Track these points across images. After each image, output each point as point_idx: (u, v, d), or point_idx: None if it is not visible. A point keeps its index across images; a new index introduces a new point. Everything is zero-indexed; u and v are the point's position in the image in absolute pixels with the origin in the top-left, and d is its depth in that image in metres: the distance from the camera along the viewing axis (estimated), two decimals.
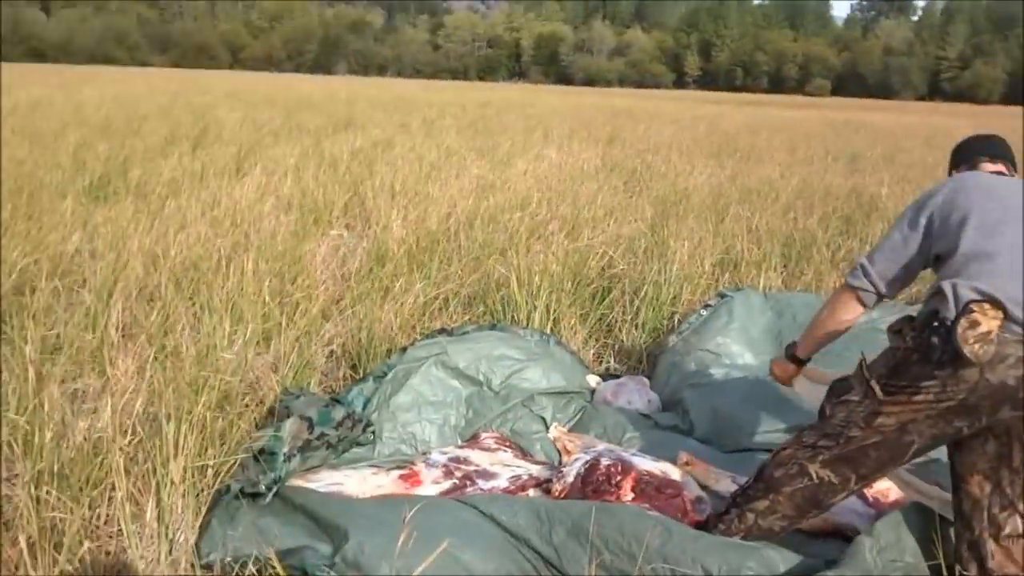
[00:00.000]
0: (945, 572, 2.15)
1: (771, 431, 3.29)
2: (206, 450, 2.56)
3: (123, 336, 3.46)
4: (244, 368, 3.15)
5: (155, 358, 3.09)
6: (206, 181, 7.14)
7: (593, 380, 3.91)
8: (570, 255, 4.80)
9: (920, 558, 2.27)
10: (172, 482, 2.35)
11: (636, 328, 4.49)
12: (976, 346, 1.94)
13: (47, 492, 2.26)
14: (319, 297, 4.01)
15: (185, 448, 2.46)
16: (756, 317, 4.25)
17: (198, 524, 2.37)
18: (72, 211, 5.43)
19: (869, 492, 2.79)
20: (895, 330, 2.17)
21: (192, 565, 2.23)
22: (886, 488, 2.80)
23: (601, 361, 4.37)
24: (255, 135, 11.28)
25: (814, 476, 2.29)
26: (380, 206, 6.11)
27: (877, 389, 2.13)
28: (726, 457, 3.18)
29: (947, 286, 2.04)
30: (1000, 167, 2.47)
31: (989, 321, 1.96)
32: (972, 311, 1.97)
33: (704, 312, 4.29)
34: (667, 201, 6.96)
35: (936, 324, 2.02)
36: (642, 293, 4.58)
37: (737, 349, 4.02)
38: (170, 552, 2.27)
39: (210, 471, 2.51)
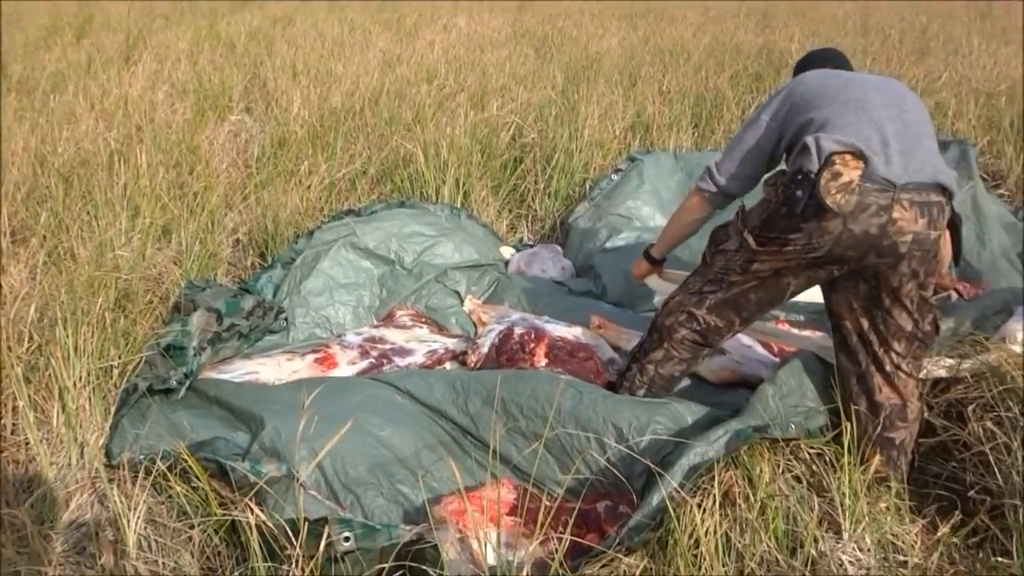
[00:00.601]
0: (843, 414, 2.25)
1: None
2: (109, 351, 2.49)
3: (13, 242, 3.30)
4: (144, 264, 3.06)
5: (48, 261, 2.97)
6: (93, 72, 6.72)
7: (506, 251, 3.92)
8: (479, 127, 4.70)
9: (819, 402, 2.38)
10: (74, 385, 2.29)
11: (548, 197, 4.47)
12: (838, 196, 2.02)
13: None
14: (220, 186, 3.87)
15: (86, 350, 2.40)
16: (667, 179, 4.27)
17: (108, 425, 2.33)
18: None
19: (776, 344, 2.89)
20: (769, 183, 2.22)
21: (104, 466, 2.21)
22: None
23: (515, 232, 4.37)
24: (144, 20, 10.59)
25: (701, 321, 2.41)
26: (281, 87, 5.85)
27: (750, 240, 2.20)
28: (638, 318, 3.24)
29: (810, 140, 2.09)
30: None
31: (850, 171, 2.03)
32: (834, 162, 2.03)
33: (615, 177, 4.30)
34: (578, 66, 6.82)
35: (800, 177, 2.07)
36: (553, 161, 4.54)
37: (648, 211, 4.05)
38: (81, 455, 2.24)
39: (115, 372, 2.46)
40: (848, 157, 2.04)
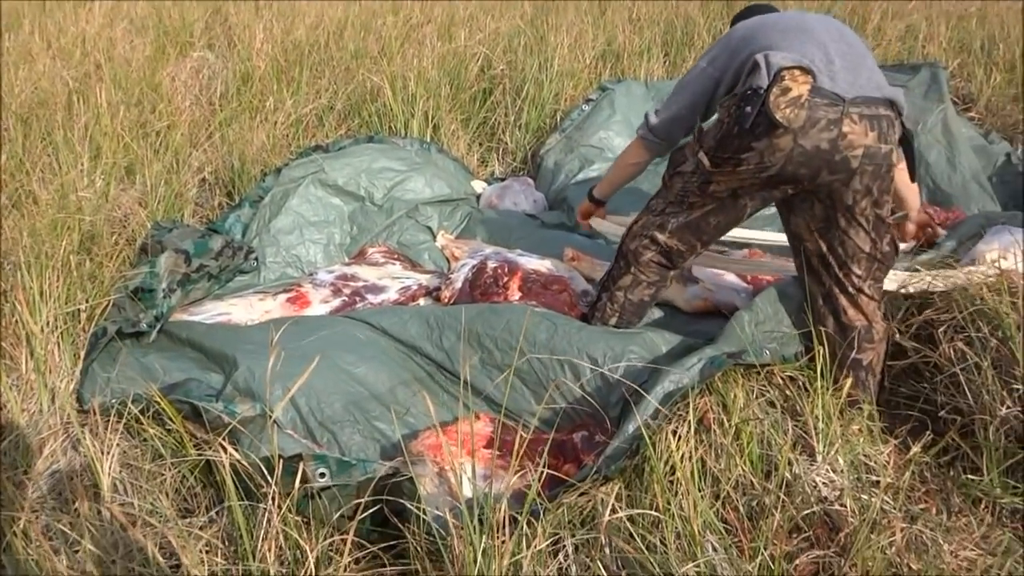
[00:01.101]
0: (815, 339, 2.27)
1: None
2: (75, 295, 2.45)
3: None
4: (108, 206, 2.99)
5: (9, 205, 2.89)
6: (49, 10, 6.49)
7: (478, 185, 3.87)
8: (447, 58, 4.61)
9: (793, 328, 2.40)
10: (42, 331, 2.25)
11: (519, 129, 4.41)
12: (787, 111, 2.02)
13: None
14: (183, 124, 3.78)
15: (52, 295, 2.35)
16: (639, 108, 4.22)
17: (78, 370, 2.30)
18: None
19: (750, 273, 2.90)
20: (722, 104, 2.22)
21: (76, 412, 2.18)
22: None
23: (486, 165, 4.32)
24: None
25: (663, 245, 2.43)
26: (244, 21, 5.69)
27: (705, 161, 2.22)
28: (611, 249, 3.22)
29: (760, 58, 2.09)
30: None
31: (799, 87, 2.03)
32: (783, 78, 2.03)
33: (586, 107, 4.24)
34: None
35: (750, 93, 2.07)
36: (523, 92, 4.47)
37: (620, 142, 4.01)
38: (52, 401, 2.21)
39: (83, 316, 2.42)
40: (797, 72, 2.04)
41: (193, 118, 3.98)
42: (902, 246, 2.69)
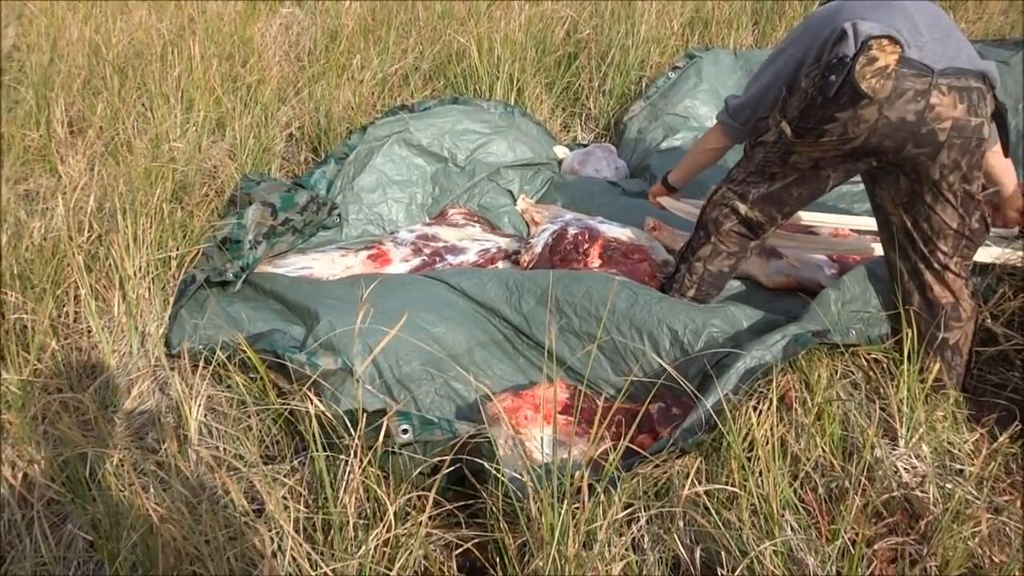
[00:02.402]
0: (903, 321, 2.20)
1: None
2: (167, 242, 2.52)
3: (71, 132, 3.32)
4: (199, 157, 3.06)
5: (105, 152, 2.98)
6: None
7: (560, 150, 3.84)
8: (533, 21, 4.56)
9: (881, 308, 2.33)
10: (134, 275, 2.32)
11: (603, 95, 4.35)
12: (873, 81, 1.97)
13: (9, 294, 2.24)
14: (272, 79, 3.83)
15: (145, 241, 2.42)
16: (725, 77, 4.12)
17: (167, 315, 2.37)
18: (2, 3, 5.06)
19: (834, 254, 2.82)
20: (807, 74, 2.15)
21: (165, 356, 2.25)
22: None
23: (568, 130, 4.28)
24: None
25: (744, 215, 2.39)
26: None
27: (787, 130, 2.16)
28: (693, 221, 3.17)
29: (848, 26, 2.03)
30: None
31: (887, 56, 1.97)
32: (871, 47, 1.98)
33: (672, 75, 4.16)
34: None
35: (835, 62, 2.03)
36: (609, 58, 4.40)
37: (706, 111, 3.93)
38: (142, 344, 2.29)
39: (174, 263, 2.49)
40: (885, 42, 1.98)
41: (282, 74, 4.03)
42: (1005, 231, 2.57)
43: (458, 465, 1.78)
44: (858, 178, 2.33)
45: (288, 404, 1.94)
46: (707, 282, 2.52)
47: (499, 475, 1.70)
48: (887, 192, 2.22)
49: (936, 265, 2.21)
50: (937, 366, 2.17)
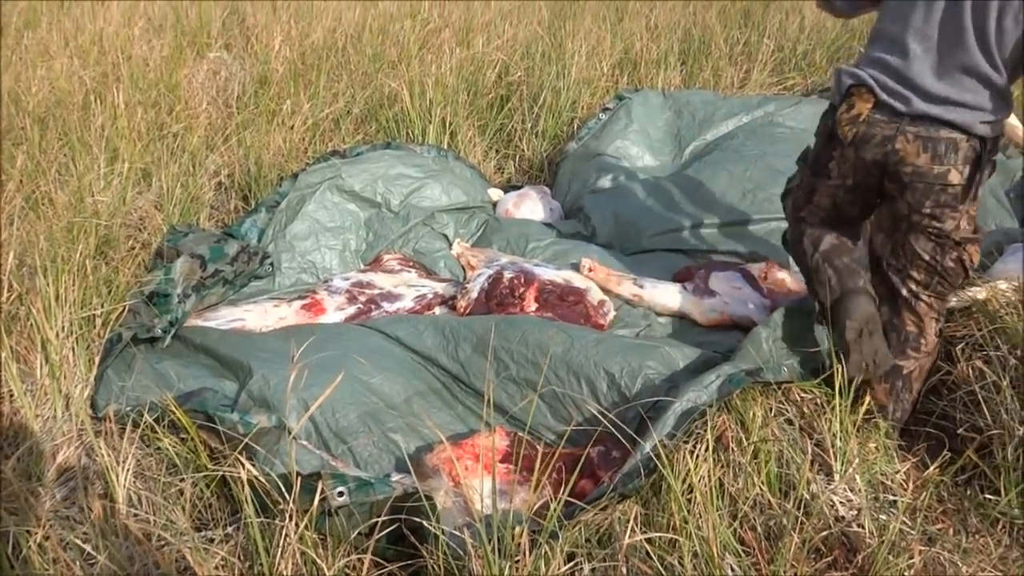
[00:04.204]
0: (834, 356, 2.24)
1: (671, 231, 3.32)
2: (91, 300, 2.44)
3: None
4: (124, 209, 2.99)
5: (26, 207, 2.89)
6: (67, 8, 6.51)
7: (494, 193, 3.86)
8: (464, 64, 4.59)
9: (812, 344, 2.37)
10: (57, 336, 2.24)
11: (536, 137, 4.39)
12: (846, 128, 2.17)
13: None
14: (200, 127, 3.77)
15: (68, 299, 2.35)
16: (655, 118, 4.20)
17: (93, 377, 2.29)
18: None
19: (764, 284, 2.87)
20: (821, 119, 2.34)
21: (90, 419, 2.17)
22: (780, 279, 2.89)
23: (502, 172, 4.30)
24: None
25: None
26: (261, 22, 5.69)
27: (807, 173, 2.39)
28: (628, 260, 3.21)
29: (835, 74, 2.25)
30: None
31: (862, 104, 2.16)
32: (852, 95, 2.18)
33: (603, 116, 4.22)
34: (564, 1, 6.66)
35: (828, 110, 2.28)
36: (541, 100, 4.45)
37: (636, 151, 3.99)
38: (67, 407, 2.20)
39: (98, 321, 2.41)
40: (863, 90, 2.16)
41: (210, 120, 3.98)
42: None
43: (397, 524, 1.75)
44: None
45: (220, 469, 1.88)
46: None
47: (439, 533, 1.67)
48: (876, 217, 2.34)
49: (905, 292, 2.28)
50: (884, 387, 2.26)
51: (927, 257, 2.22)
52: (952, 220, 2.16)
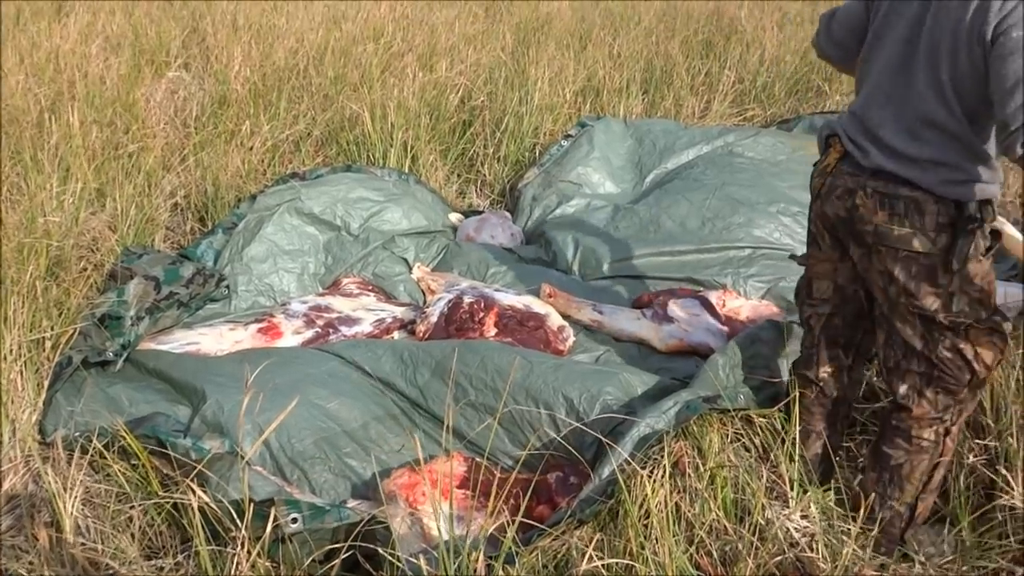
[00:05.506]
0: (790, 384, 2.25)
1: (631, 258, 3.34)
2: (40, 322, 2.39)
3: None
4: (77, 230, 2.93)
5: None
6: (23, 24, 6.41)
7: (455, 217, 3.86)
8: (427, 88, 4.61)
9: (771, 372, 2.40)
10: (4, 359, 2.19)
11: (498, 162, 4.41)
12: (815, 179, 2.09)
13: None
14: (157, 146, 3.73)
15: (16, 322, 2.30)
16: (617, 145, 4.25)
17: (41, 401, 2.24)
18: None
19: (722, 311, 2.90)
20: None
21: (38, 445, 2.12)
22: (738, 307, 2.92)
23: (464, 197, 4.31)
24: None
25: None
26: (221, 42, 5.65)
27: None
28: (588, 286, 3.23)
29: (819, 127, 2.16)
30: None
31: (832, 156, 2.04)
32: (829, 145, 2.07)
33: (565, 143, 4.26)
34: (528, 27, 6.72)
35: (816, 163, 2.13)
36: (503, 125, 4.47)
37: (598, 179, 4.03)
38: (13, 433, 2.14)
39: (48, 344, 2.36)
40: (836, 140, 2.04)
41: (167, 140, 3.94)
42: None
43: (351, 552, 1.72)
44: None
45: (171, 497, 1.84)
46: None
47: (395, 561, 1.65)
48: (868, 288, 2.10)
49: (903, 390, 2.01)
50: (871, 477, 2.09)
51: (918, 346, 1.95)
52: (932, 297, 1.90)
